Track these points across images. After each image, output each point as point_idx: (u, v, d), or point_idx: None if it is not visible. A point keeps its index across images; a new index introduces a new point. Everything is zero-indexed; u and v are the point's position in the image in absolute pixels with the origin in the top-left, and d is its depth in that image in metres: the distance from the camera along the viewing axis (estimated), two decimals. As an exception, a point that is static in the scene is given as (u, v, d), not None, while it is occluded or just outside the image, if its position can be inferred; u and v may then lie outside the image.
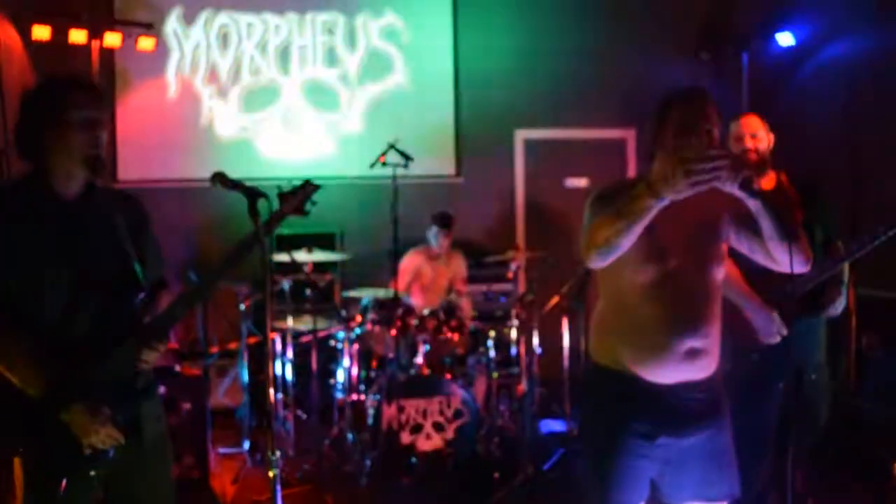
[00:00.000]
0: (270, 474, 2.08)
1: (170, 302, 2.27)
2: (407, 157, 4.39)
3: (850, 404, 4.88)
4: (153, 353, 2.21)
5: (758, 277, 3.09)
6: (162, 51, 6.21)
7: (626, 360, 2.26)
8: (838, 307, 3.12)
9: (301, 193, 2.36)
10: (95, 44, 5.74)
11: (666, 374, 2.23)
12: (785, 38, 6.16)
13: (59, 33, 5.54)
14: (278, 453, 2.13)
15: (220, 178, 2.26)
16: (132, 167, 6.12)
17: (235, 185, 2.23)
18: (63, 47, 5.65)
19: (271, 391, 2.23)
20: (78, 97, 2.17)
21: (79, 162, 2.17)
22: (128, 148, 6.16)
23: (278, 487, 2.13)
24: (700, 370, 2.25)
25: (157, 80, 6.27)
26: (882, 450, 4.30)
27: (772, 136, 3.26)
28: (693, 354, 2.22)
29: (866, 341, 4.96)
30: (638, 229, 2.10)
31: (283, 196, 2.34)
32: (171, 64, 6.31)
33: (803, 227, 3.06)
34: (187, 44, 6.33)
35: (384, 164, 4.40)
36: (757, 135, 3.19)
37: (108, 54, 6.06)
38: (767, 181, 3.30)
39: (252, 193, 2.18)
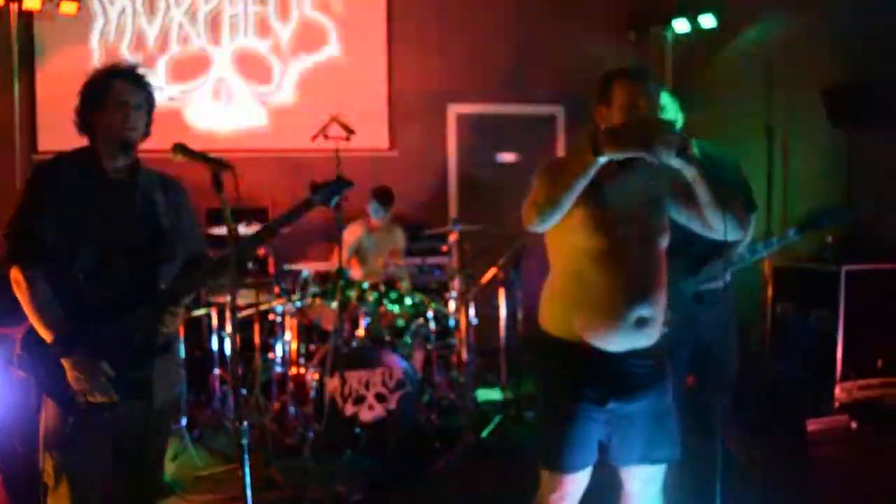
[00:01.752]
0: (244, 442, 2.11)
1: (189, 271, 2.48)
2: (349, 131, 4.40)
3: (766, 367, 5.21)
4: (169, 317, 2.40)
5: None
6: (85, 17, 5.98)
7: (578, 330, 2.33)
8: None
9: (333, 186, 2.52)
10: (14, 7, 5.49)
11: (617, 342, 2.31)
12: (707, 20, 6.41)
13: (-26, -5, 5.28)
14: (245, 423, 2.16)
15: (181, 148, 2.30)
16: (53, 137, 5.91)
17: (198, 156, 2.26)
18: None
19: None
20: (116, 83, 2.39)
21: (115, 141, 2.39)
22: (48, 117, 5.95)
23: (246, 456, 2.16)
24: (648, 338, 2.34)
25: (81, 47, 6.05)
26: (796, 408, 4.64)
27: (681, 115, 3.28)
28: (642, 323, 2.31)
29: (780, 308, 5.28)
30: (579, 187, 2.17)
31: (315, 187, 2.51)
32: (94, 31, 6.08)
33: None
34: (112, 10, 6.11)
35: (326, 137, 4.40)
36: (665, 110, 3.22)
37: (27, 18, 5.81)
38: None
39: (217, 165, 2.20)
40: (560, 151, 7.19)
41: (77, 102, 2.43)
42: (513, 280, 5.03)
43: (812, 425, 4.51)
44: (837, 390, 4.77)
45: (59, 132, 5.93)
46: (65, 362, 2.27)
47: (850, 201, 5.12)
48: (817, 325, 4.98)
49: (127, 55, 6.09)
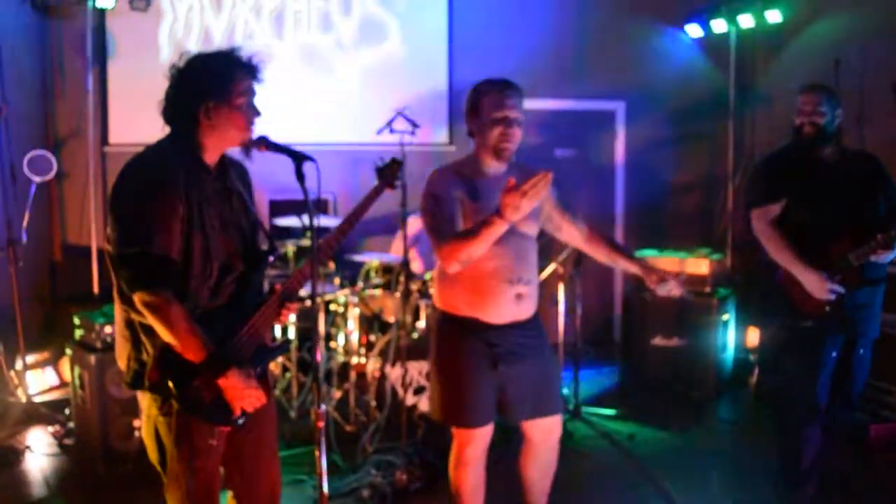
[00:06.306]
0: (320, 425, 2.17)
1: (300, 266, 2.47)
2: (414, 125, 4.46)
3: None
4: (289, 313, 2.41)
5: (815, 249, 3.23)
6: (154, 13, 6.15)
7: (468, 308, 2.85)
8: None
9: (394, 169, 2.68)
10: (88, 3, 5.68)
11: (500, 315, 2.84)
12: (773, 15, 6.29)
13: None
14: (324, 406, 2.21)
15: (264, 142, 2.33)
16: (124, 131, 6.11)
17: (281, 148, 2.31)
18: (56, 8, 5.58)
19: (318, 352, 2.32)
20: (245, 79, 2.27)
21: (232, 142, 2.29)
22: (119, 111, 6.13)
23: (323, 439, 2.21)
24: (525, 311, 2.89)
25: (150, 42, 6.22)
26: (860, 414, 4.54)
27: (840, 111, 3.32)
28: (520, 298, 2.85)
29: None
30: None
31: (380, 171, 2.65)
32: (163, 27, 6.25)
33: (867, 198, 3.25)
34: (180, 6, 6.27)
35: (392, 131, 4.46)
36: (817, 109, 3.25)
37: (100, 15, 6.00)
38: (831, 154, 3.35)
39: (299, 157, 2.26)
40: (619, 146, 7.15)
41: (179, 90, 2.23)
42: (573, 276, 5.03)
43: (876, 431, 4.42)
44: (904, 395, 4.66)
45: (129, 125, 6.19)
46: (222, 382, 2.18)
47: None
48: (883, 328, 4.86)
49: (194, 50, 6.23)
